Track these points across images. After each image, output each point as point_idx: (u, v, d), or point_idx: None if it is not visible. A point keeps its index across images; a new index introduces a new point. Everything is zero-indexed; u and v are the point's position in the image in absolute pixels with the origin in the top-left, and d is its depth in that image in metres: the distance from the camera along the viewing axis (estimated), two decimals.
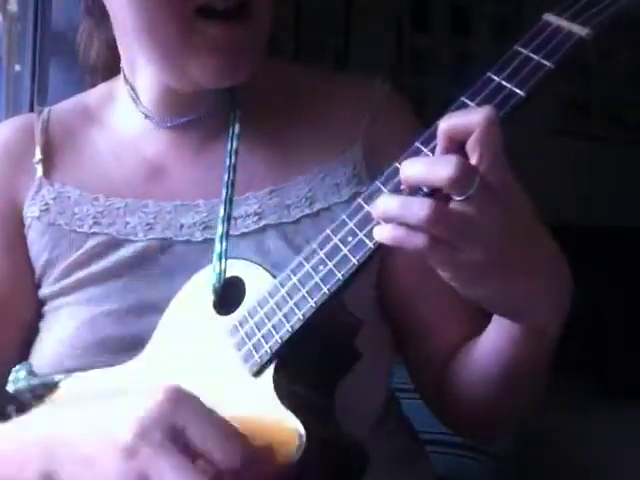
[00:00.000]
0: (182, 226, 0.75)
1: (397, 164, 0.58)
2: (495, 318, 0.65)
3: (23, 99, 1.26)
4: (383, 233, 0.54)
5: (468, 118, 0.54)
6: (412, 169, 0.54)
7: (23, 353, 0.75)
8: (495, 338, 0.67)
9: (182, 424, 0.52)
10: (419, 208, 0.52)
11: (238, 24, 0.69)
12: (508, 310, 0.61)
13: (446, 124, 0.55)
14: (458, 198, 0.52)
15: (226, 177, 0.72)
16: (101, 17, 0.79)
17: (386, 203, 0.54)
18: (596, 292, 2.40)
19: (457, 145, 0.54)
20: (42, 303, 0.76)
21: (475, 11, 2.66)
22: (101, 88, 0.85)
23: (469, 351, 0.71)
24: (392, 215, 0.53)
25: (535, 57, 0.56)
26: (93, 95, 0.85)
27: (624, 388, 1.94)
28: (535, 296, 0.58)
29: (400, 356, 0.81)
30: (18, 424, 0.63)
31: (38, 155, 0.79)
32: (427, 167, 0.53)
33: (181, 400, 0.53)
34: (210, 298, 0.67)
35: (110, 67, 0.84)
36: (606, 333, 2.41)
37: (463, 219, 0.52)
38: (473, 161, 0.53)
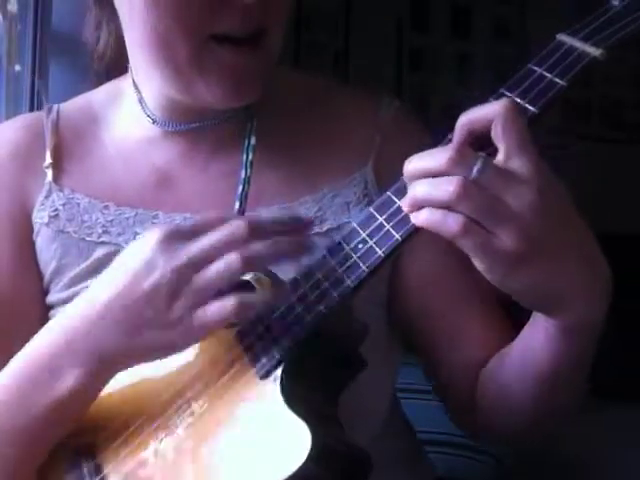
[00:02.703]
0: None
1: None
2: (531, 317, 0.64)
3: (23, 99, 1.26)
4: (419, 217, 0.55)
5: (487, 108, 0.56)
6: (414, 162, 0.56)
7: None
8: (531, 337, 0.65)
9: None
10: (447, 184, 0.53)
11: (250, 50, 0.69)
12: (545, 304, 0.59)
13: (466, 117, 0.56)
14: (471, 177, 0.53)
15: (240, 189, 0.72)
16: (111, 13, 0.77)
17: (416, 187, 0.55)
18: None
19: (475, 138, 0.56)
20: (49, 308, 0.76)
21: (475, 11, 2.66)
22: (108, 87, 0.83)
23: (503, 356, 0.70)
24: (423, 195, 0.55)
25: (548, 75, 0.58)
26: (100, 94, 0.83)
27: (623, 389, 1.94)
28: (572, 287, 0.57)
29: (423, 368, 0.80)
30: (42, 335, 0.65)
31: (48, 159, 0.78)
32: (427, 156, 0.55)
33: (180, 231, 0.60)
34: None
35: (117, 61, 0.82)
36: (604, 334, 2.41)
37: (491, 197, 0.53)
38: (500, 148, 0.55)
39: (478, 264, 0.56)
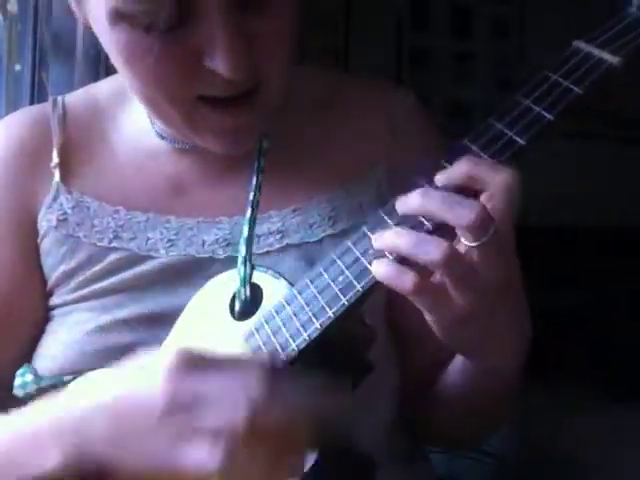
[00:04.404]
0: (204, 243, 0.73)
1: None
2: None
3: (23, 99, 1.26)
4: (377, 269, 0.55)
5: (490, 176, 0.54)
6: (432, 200, 0.54)
7: (26, 356, 0.74)
8: (454, 371, 0.70)
9: (201, 383, 0.54)
10: (434, 248, 0.52)
11: (243, 107, 0.66)
12: (470, 352, 0.63)
13: (466, 170, 0.55)
14: (470, 244, 0.53)
15: (252, 196, 0.70)
16: None
17: (398, 237, 0.54)
18: (601, 293, 2.39)
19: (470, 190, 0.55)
20: (51, 309, 0.75)
21: (475, 11, 2.66)
22: (112, 84, 0.81)
23: (441, 376, 0.74)
24: (402, 250, 0.54)
25: (564, 83, 0.57)
26: (105, 90, 0.81)
27: (627, 390, 1.94)
28: (496, 343, 0.60)
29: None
30: (27, 412, 0.62)
31: (55, 159, 0.76)
32: (448, 205, 0.53)
33: (195, 362, 0.55)
34: (226, 303, 0.66)
35: None
36: (612, 335, 2.41)
37: (470, 266, 0.53)
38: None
39: (426, 315, 0.57)
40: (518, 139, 0.57)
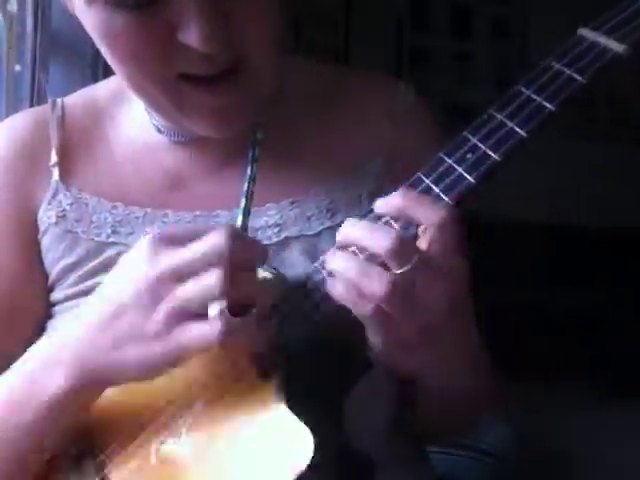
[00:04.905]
0: None
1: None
2: None
3: (23, 100, 1.26)
4: (336, 288, 0.56)
5: (422, 215, 0.55)
6: (353, 230, 0.56)
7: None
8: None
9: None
10: (377, 282, 0.53)
11: (226, 86, 0.65)
12: (409, 374, 0.63)
13: (400, 206, 0.56)
14: (396, 270, 0.53)
15: (245, 186, 0.69)
16: None
17: (348, 262, 0.55)
18: (601, 294, 2.39)
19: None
20: (53, 304, 0.76)
21: (475, 11, 2.67)
22: (111, 86, 0.81)
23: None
24: (350, 277, 0.55)
25: (567, 71, 0.56)
26: (104, 92, 0.81)
27: (628, 387, 1.94)
28: (439, 368, 0.61)
29: None
30: (36, 345, 0.65)
31: (54, 158, 0.77)
32: (367, 233, 0.55)
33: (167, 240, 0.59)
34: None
35: None
36: (613, 335, 2.41)
37: (412, 295, 0.54)
38: (423, 243, 0.55)
39: (371, 335, 0.57)
40: (519, 130, 0.55)
